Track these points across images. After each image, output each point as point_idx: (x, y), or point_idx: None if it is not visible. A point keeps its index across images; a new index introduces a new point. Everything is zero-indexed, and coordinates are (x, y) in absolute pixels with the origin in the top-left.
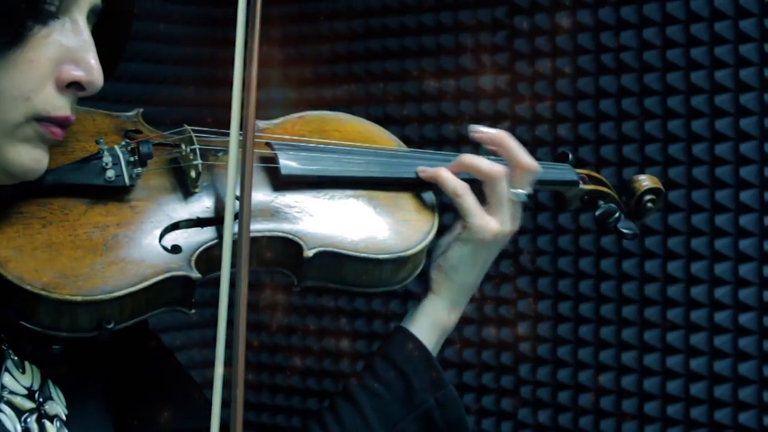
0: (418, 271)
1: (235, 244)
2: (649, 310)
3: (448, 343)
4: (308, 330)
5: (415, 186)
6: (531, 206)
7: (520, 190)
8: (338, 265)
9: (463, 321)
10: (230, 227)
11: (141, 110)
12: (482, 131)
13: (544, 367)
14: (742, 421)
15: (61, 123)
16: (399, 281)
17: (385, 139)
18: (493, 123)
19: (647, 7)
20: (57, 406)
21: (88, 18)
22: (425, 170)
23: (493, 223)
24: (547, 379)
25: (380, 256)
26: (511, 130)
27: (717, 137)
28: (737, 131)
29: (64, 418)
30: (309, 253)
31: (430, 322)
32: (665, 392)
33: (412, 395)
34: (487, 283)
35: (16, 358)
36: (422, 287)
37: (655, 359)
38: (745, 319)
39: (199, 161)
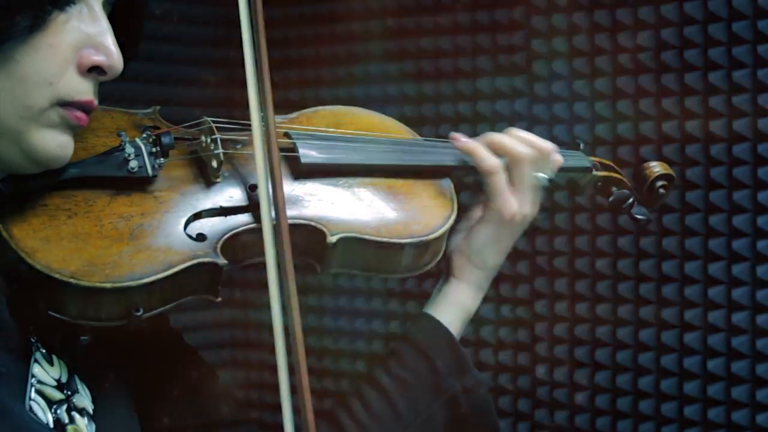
0: (440, 256)
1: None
2: (666, 311)
3: (464, 344)
4: (325, 331)
5: (433, 174)
6: (548, 206)
7: (541, 174)
8: (361, 251)
9: (480, 322)
10: (267, 213)
11: (158, 107)
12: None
13: (560, 368)
14: (759, 422)
15: (85, 108)
16: (420, 266)
17: (400, 129)
18: (510, 123)
19: (665, 7)
20: (84, 400)
21: (104, 6)
22: (461, 141)
23: (515, 204)
24: (563, 380)
25: (402, 241)
26: (528, 131)
27: (735, 138)
28: (755, 132)
29: (91, 412)
30: (332, 239)
31: (454, 307)
32: (682, 393)
33: (438, 381)
34: (503, 283)
35: (44, 350)
36: (442, 272)
37: (673, 360)
38: (763, 320)
39: (220, 150)
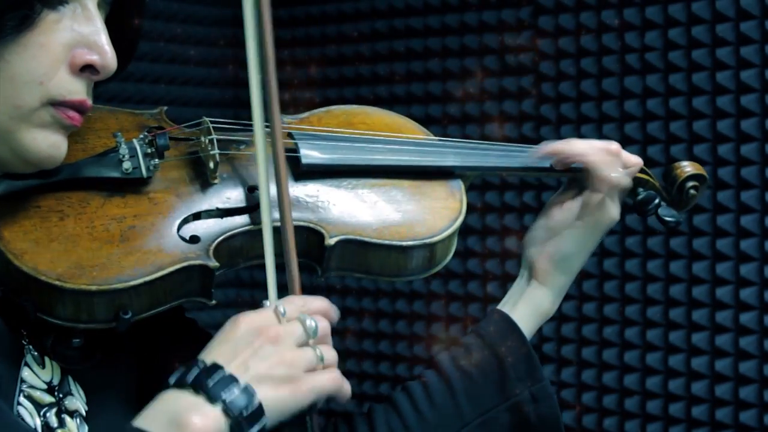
0: (448, 259)
1: (267, 231)
2: (674, 311)
3: None
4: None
5: (442, 174)
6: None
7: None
8: (362, 254)
9: None
10: (268, 214)
11: (165, 108)
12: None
13: (568, 368)
14: (767, 422)
15: (78, 107)
16: (426, 270)
17: (413, 129)
18: (518, 123)
19: (672, 7)
20: (77, 402)
21: (100, 6)
22: (552, 149)
23: (616, 210)
24: (571, 380)
25: (405, 243)
26: (536, 131)
27: (743, 138)
28: (763, 131)
29: (84, 413)
30: (331, 241)
31: (532, 311)
32: (690, 393)
33: (506, 385)
34: (510, 283)
35: (35, 353)
36: (520, 272)
37: (680, 360)
38: None
39: (216, 151)
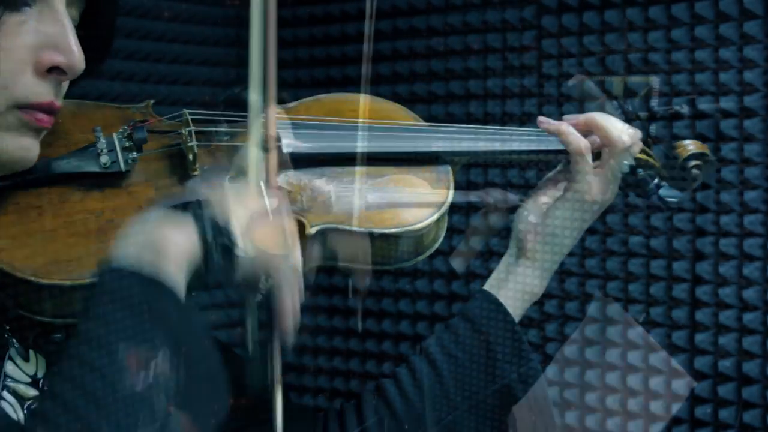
0: (437, 244)
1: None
2: (677, 311)
3: None
4: (342, 333)
5: (429, 160)
6: None
7: (627, 161)
8: (345, 243)
9: None
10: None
11: (152, 101)
12: (572, 119)
13: (571, 368)
14: None
15: (45, 109)
16: (412, 257)
17: (403, 115)
18: (521, 124)
19: (675, 7)
20: None
21: (71, 5)
22: (548, 122)
23: (598, 187)
24: (575, 381)
25: (389, 231)
26: None
27: (746, 138)
28: (767, 131)
29: None
30: (312, 230)
31: (520, 290)
32: (693, 393)
33: (494, 367)
34: None
35: (19, 346)
36: (507, 251)
37: (684, 360)
38: None
39: (194, 143)
